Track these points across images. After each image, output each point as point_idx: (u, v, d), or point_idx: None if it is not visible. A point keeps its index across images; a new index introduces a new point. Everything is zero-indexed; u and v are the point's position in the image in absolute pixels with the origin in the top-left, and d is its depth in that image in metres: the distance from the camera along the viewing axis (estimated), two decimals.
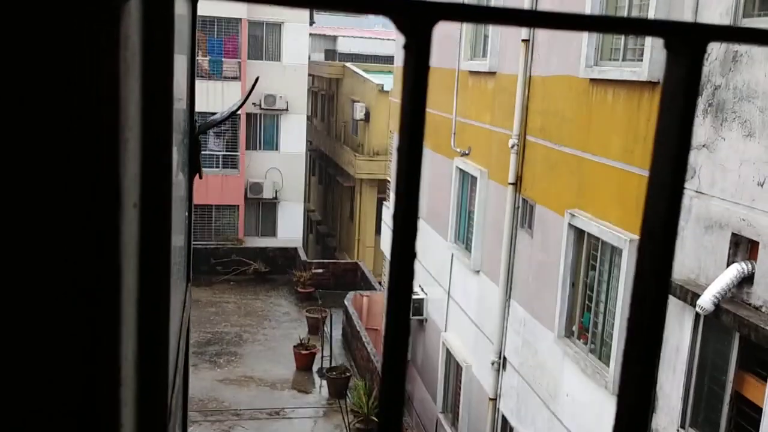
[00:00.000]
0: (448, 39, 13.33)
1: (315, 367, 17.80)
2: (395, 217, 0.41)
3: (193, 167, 1.91)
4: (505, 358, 10.92)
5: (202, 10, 24.13)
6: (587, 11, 8.48)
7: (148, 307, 0.81)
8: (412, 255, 0.42)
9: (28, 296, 0.55)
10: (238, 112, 24.94)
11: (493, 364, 11.05)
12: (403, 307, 0.44)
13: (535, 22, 0.46)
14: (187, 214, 2.00)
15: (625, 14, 8.04)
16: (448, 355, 13.24)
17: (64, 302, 0.55)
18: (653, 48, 7.27)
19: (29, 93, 0.49)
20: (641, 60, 7.59)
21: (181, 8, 1.57)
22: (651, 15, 7.29)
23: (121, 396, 0.62)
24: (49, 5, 0.47)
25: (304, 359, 17.81)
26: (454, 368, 13.06)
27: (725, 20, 6.32)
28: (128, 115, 0.61)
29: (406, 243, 0.41)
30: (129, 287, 0.69)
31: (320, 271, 23.09)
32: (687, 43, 0.46)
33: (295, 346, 18.02)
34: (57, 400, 0.57)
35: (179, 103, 1.67)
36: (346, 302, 19.36)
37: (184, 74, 1.79)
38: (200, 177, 1.99)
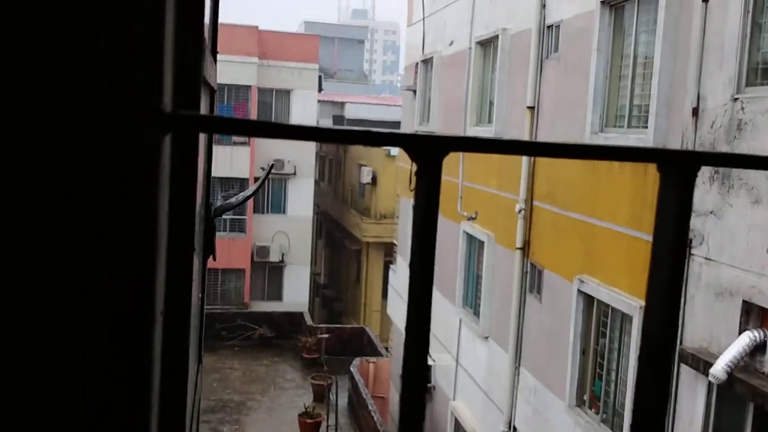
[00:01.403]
0: (455, 105, 13.54)
1: None
2: (406, 341, 0.42)
3: (209, 249, 1.92)
4: (515, 428, 10.67)
5: None
6: (591, 82, 8.62)
7: (168, 410, 0.82)
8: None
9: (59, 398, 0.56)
10: (246, 176, 25.20)
11: None
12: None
13: (534, 152, 0.51)
14: (200, 295, 2.00)
15: (629, 83, 8.17)
16: (457, 424, 12.95)
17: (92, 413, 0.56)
18: (658, 115, 7.35)
19: (91, 213, 0.54)
20: (646, 127, 7.67)
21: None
22: (654, 83, 7.41)
23: None
24: (109, 147, 0.53)
25: (309, 428, 17.44)
26: None
27: (728, 90, 6.40)
28: (161, 230, 0.66)
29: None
30: (155, 397, 0.71)
31: (326, 336, 22.85)
32: (679, 168, 0.49)
33: (299, 415, 17.68)
34: None
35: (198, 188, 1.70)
36: (352, 369, 19.08)
37: (201, 161, 1.82)
38: (214, 259, 2.00)
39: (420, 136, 0.44)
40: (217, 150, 24.73)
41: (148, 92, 0.54)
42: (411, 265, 0.44)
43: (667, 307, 0.49)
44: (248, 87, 25.68)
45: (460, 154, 13.02)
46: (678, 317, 0.50)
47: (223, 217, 26.08)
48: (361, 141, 0.46)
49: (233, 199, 2.90)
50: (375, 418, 16.13)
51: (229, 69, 25.01)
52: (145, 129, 0.53)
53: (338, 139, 0.46)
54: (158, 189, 0.56)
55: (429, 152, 0.44)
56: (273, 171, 26.28)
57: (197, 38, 0.90)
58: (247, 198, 3.05)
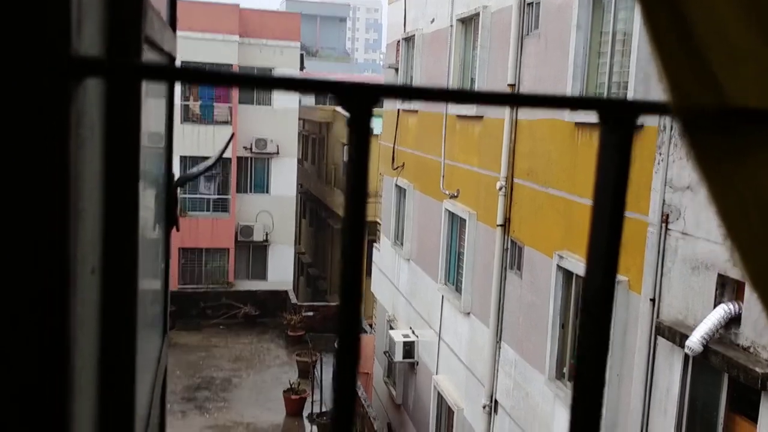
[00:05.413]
0: (437, 82, 13.53)
1: (305, 413, 17.56)
2: (341, 286, 0.44)
3: (170, 220, 1.93)
4: (496, 401, 10.83)
5: (194, 56, 24.43)
6: (570, 59, 8.66)
7: (110, 377, 0.82)
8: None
9: None
10: (229, 155, 25.08)
11: (484, 407, 10.95)
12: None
13: (467, 100, 0.50)
14: (164, 265, 2.02)
15: (608, 60, 8.21)
16: (440, 398, 13.11)
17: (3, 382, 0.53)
18: (636, 91, 7.41)
19: None
20: None
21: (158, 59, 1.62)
22: (633, 60, 7.46)
23: None
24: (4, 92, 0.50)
25: (294, 404, 17.58)
26: (445, 412, 12.92)
27: None
28: (83, 186, 0.63)
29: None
30: (85, 354, 0.69)
31: (311, 314, 22.95)
32: (619, 116, 0.49)
33: (285, 391, 17.80)
34: None
35: (157, 156, 1.70)
36: (336, 345, 19.18)
37: (162, 125, 1.82)
38: (177, 230, 2.01)
39: (347, 83, 0.44)
40: (200, 129, 24.66)
41: (53, 35, 0.51)
42: (343, 219, 0.45)
43: (605, 265, 0.49)
44: (229, 65, 25.46)
45: (442, 133, 13.05)
46: (615, 276, 0.50)
47: (206, 197, 25.97)
48: (285, 87, 0.46)
49: (195, 169, 2.90)
50: (359, 393, 16.29)
51: (209, 47, 24.77)
52: (48, 73, 0.49)
53: (260, 85, 0.45)
54: (67, 137, 0.52)
55: (358, 99, 0.44)
56: (256, 150, 26.15)
57: None
58: (208, 168, 3.06)
